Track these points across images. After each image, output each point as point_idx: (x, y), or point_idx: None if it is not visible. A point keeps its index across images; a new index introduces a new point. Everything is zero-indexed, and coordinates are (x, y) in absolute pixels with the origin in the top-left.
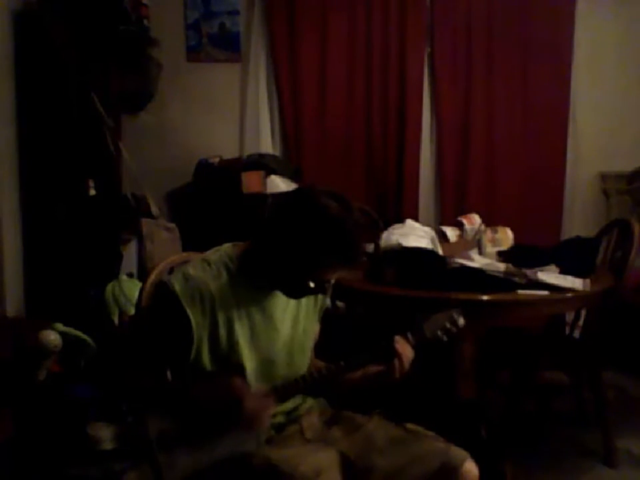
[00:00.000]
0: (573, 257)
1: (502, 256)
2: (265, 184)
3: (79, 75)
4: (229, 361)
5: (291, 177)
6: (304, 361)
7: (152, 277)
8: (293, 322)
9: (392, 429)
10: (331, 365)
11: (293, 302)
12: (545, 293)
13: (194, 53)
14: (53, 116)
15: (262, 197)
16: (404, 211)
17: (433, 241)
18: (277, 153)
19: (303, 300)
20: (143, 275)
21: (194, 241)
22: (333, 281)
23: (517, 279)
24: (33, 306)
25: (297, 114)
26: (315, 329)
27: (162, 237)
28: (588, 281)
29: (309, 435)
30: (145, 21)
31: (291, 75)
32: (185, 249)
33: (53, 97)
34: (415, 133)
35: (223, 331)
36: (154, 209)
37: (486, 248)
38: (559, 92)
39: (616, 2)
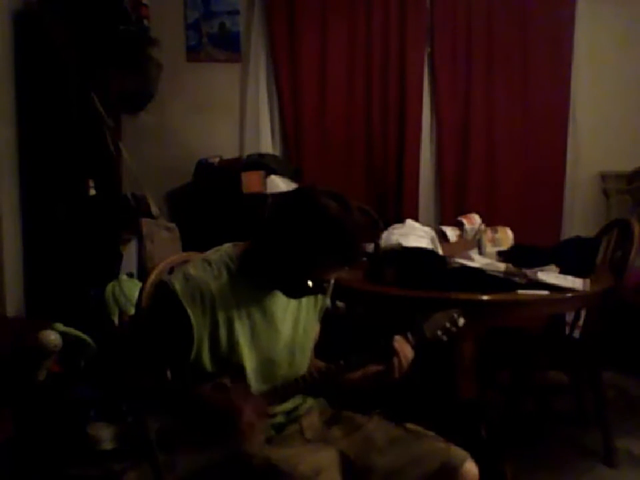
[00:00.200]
0: (573, 257)
1: (502, 256)
2: (265, 184)
3: (78, 75)
4: (229, 360)
5: (291, 176)
6: (304, 361)
7: (152, 277)
8: (293, 322)
9: (392, 429)
10: (331, 365)
11: (293, 302)
12: (545, 292)
13: (194, 53)
14: (53, 116)
15: (262, 197)
16: (404, 211)
17: (433, 241)
18: (277, 153)
19: (304, 300)
20: (143, 275)
21: (194, 241)
22: (332, 281)
23: (517, 279)
24: (33, 306)
25: (297, 114)
26: (315, 328)
27: (162, 237)
28: (588, 281)
29: (309, 435)
30: (145, 21)
31: (291, 75)
32: (185, 249)
33: (52, 97)
34: (415, 133)
35: (223, 331)
36: (154, 209)
37: (486, 248)
38: (559, 92)
39: (616, 2)
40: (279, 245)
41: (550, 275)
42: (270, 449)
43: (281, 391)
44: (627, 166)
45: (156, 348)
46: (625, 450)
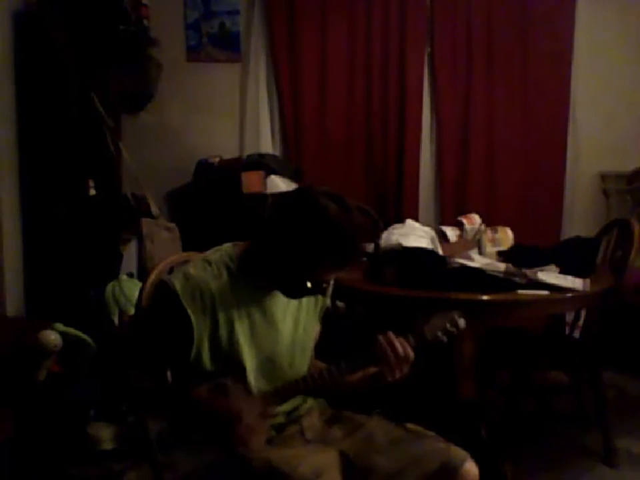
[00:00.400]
0: (572, 257)
1: (502, 256)
2: (264, 184)
3: (78, 75)
4: (229, 360)
5: (291, 177)
6: (304, 361)
7: (152, 277)
8: (293, 322)
9: (392, 429)
10: (331, 366)
11: (293, 302)
12: (545, 292)
13: (194, 53)
14: (53, 116)
15: (262, 197)
16: (404, 211)
17: (433, 241)
18: (277, 152)
19: (304, 300)
20: (143, 275)
21: (194, 241)
22: (332, 281)
23: (517, 279)
24: (33, 306)
25: (297, 114)
26: (315, 329)
27: (162, 237)
28: (588, 281)
29: (309, 436)
30: (145, 21)
31: (291, 75)
32: (185, 249)
33: (52, 96)
34: (415, 133)
35: (223, 331)
36: (154, 209)
37: (486, 248)
38: (559, 92)
39: (616, 2)
40: (278, 246)
41: (550, 275)
42: (270, 450)
43: (281, 391)
44: (627, 166)
45: (156, 348)
46: (625, 450)
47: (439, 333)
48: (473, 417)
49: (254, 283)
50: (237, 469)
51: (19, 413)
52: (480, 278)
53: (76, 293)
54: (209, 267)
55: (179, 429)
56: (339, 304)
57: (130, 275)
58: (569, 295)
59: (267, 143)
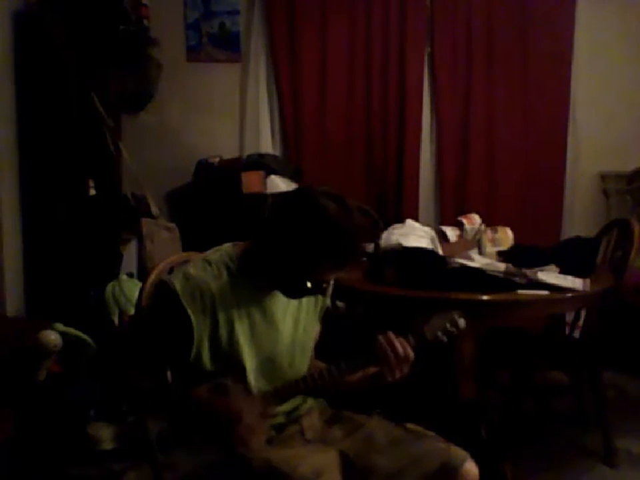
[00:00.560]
0: (572, 257)
1: (502, 256)
2: (265, 184)
3: (78, 75)
4: (229, 360)
5: (291, 177)
6: (304, 361)
7: (152, 277)
8: (293, 322)
9: (392, 429)
10: (331, 366)
11: (293, 302)
12: (545, 292)
13: (194, 53)
14: (53, 116)
15: (262, 197)
16: (404, 211)
17: (433, 241)
18: (277, 152)
19: (304, 300)
20: (143, 275)
21: (194, 241)
22: (332, 281)
23: (517, 279)
24: (33, 306)
25: (297, 114)
26: (315, 329)
27: (162, 237)
28: (588, 281)
29: (310, 436)
30: (145, 21)
31: (291, 75)
32: (185, 249)
33: (52, 96)
34: (415, 133)
35: (223, 331)
36: (154, 209)
37: (486, 248)
38: (559, 92)
39: (616, 2)
40: (278, 246)
41: (550, 275)
42: (270, 450)
43: (281, 391)
44: (627, 166)
45: (156, 348)
46: (625, 450)
47: (439, 333)
48: (473, 417)
49: (254, 282)
50: (237, 469)
51: (18, 413)
52: (480, 278)
53: (76, 292)
54: (208, 267)
55: (179, 429)
56: (339, 304)
57: (130, 275)
58: (569, 295)
59: (267, 143)
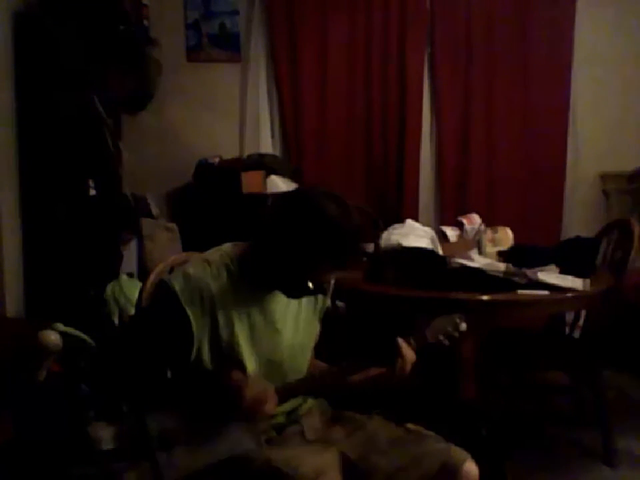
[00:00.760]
0: (572, 256)
1: (502, 256)
2: (265, 184)
3: (79, 75)
4: (229, 360)
5: (291, 177)
6: (305, 362)
7: (152, 277)
8: (293, 322)
9: (393, 429)
10: (332, 367)
11: (293, 302)
12: (545, 292)
13: (194, 53)
14: (53, 116)
15: (262, 197)
16: (404, 211)
17: (433, 241)
18: (277, 153)
19: (304, 300)
20: (143, 275)
21: (194, 241)
22: (332, 281)
23: (517, 279)
24: (33, 306)
25: (297, 114)
26: (315, 329)
27: (162, 237)
28: (588, 281)
29: (310, 436)
30: (145, 21)
31: (291, 74)
32: (185, 249)
33: (53, 97)
34: (415, 132)
35: (223, 331)
36: (154, 209)
37: (486, 248)
38: (559, 92)
39: (616, 2)
40: (277, 246)
41: (550, 275)
42: (270, 450)
43: (281, 391)
44: (627, 166)
45: (156, 348)
46: (625, 450)
47: (441, 337)
48: (473, 417)
49: (254, 283)
50: (237, 469)
51: (19, 413)
52: (480, 278)
53: (76, 293)
54: (208, 267)
55: (179, 425)
56: (339, 304)
57: (130, 275)
58: (569, 294)
59: (267, 143)
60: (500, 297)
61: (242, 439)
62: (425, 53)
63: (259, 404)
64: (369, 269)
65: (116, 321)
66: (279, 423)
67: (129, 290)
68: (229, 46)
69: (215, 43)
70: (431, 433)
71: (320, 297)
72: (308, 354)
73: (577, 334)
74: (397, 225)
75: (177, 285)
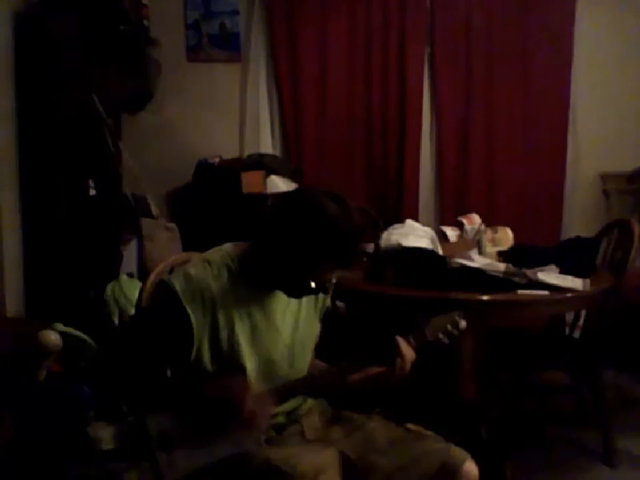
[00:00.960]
0: (572, 256)
1: (502, 256)
2: (265, 184)
3: (79, 75)
4: (229, 360)
5: (291, 177)
6: (305, 361)
7: (152, 277)
8: (294, 322)
9: (392, 429)
10: (332, 366)
11: (293, 302)
12: (545, 292)
13: (194, 53)
14: (53, 116)
15: (262, 197)
16: (404, 211)
17: (433, 241)
18: (277, 153)
19: (304, 300)
20: (143, 275)
21: (194, 241)
22: (333, 281)
23: (516, 279)
24: (33, 306)
25: (297, 114)
26: (315, 329)
27: (162, 237)
28: (588, 281)
29: (310, 435)
30: (145, 21)
31: (291, 74)
32: (185, 249)
33: (53, 97)
34: (415, 132)
35: (223, 331)
36: (154, 209)
37: (486, 248)
38: (559, 92)
39: (616, 2)
40: (278, 246)
41: (550, 275)
42: (270, 449)
43: (281, 391)
44: (627, 166)
45: (156, 348)
46: (625, 450)
47: (440, 335)
48: (473, 417)
49: (254, 283)
50: (237, 469)
51: (18, 413)
52: (480, 278)
53: (76, 292)
54: (209, 267)
55: (179, 425)
56: (339, 304)
57: (130, 275)
58: (569, 294)
59: (267, 143)
60: (500, 296)
61: (242, 438)
62: (424, 52)
63: (256, 417)
64: (369, 269)
65: (116, 321)
66: (279, 423)
67: (128, 290)
68: (229, 46)
69: (215, 42)
70: (431, 433)
71: (320, 296)
72: (308, 354)
73: (577, 334)
74: (397, 225)
75: (178, 284)
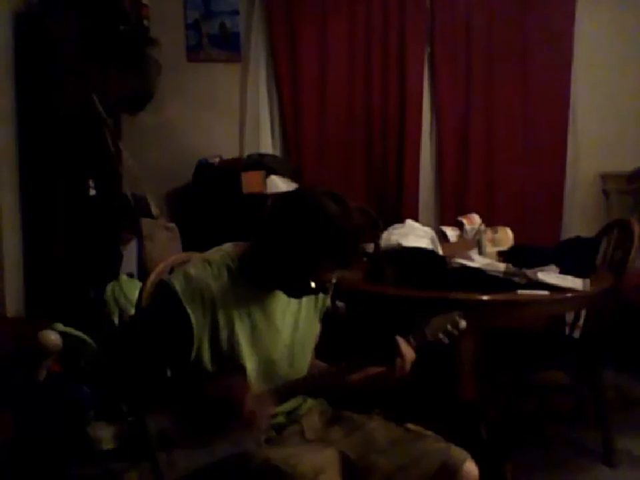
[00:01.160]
0: (572, 257)
1: (502, 256)
2: (265, 184)
3: (78, 75)
4: (229, 360)
5: (291, 177)
6: (305, 361)
7: (152, 277)
8: (294, 322)
9: (392, 429)
10: (332, 366)
11: (293, 302)
12: (545, 292)
13: (194, 53)
14: (53, 116)
15: (262, 197)
16: (404, 211)
17: (433, 241)
18: (277, 153)
19: (304, 300)
20: (143, 275)
21: (194, 241)
22: (333, 281)
23: (516, 279)
24: (33, 306)
25: (297, 114)
26: (315, 329)
27: (162, 237)
28: (588, 281)
29: (310, 435)
30: (145, 21)
31: (291, 74)
32: (185, 249)
33: (53, 97)
34: (415, 132)
35: (223, 331)
36: (154, 209)
37: (486, 248)
38: (559, 92)
39: (616, 2)
40: (278, 246)
41: (550, 275)
42: (270, 449)
43: (281, 391)
44: (627, 166)
45: (156, 348)
46: (625, 450)
47: (440, 335)
48: (473, 417)
49: (255, 283)
50: (237, 469)
51: (19, 413)
52: (480, 278)
53: (76, 292)
54: (209, 267)
55: (179, 425)
56: (339, 304)
57: (130, 275)
58: (569, 294)
59: (267, 143)
60: (500, 296)
61: (241, 438)
62: (424, 52)
63: (256, 418)
64: (369, 269)
65: (116, 320)
66: (279, 423)
67: (128, 290)
68: (229, 46)
69: (215, 42)
70: (431, 433)
71: (320, 296)
72: (308, 353)
73: (577, 334)
74: (397, 225)
75: (178, 284)
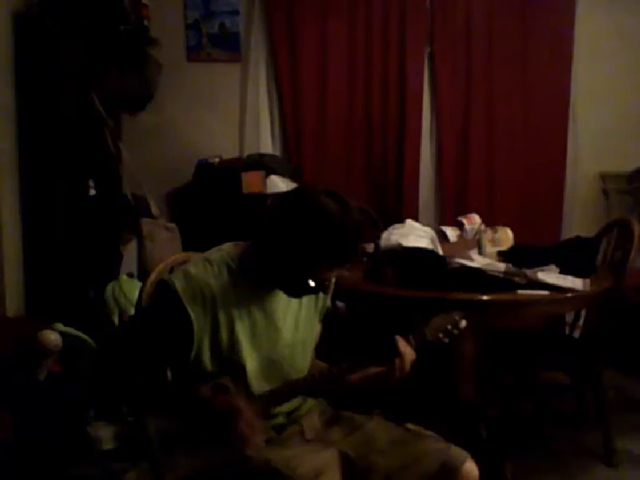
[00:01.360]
0: (573, 257)
1: (502, 256)
2: (265, 184)
3: (78, 75)
4: (229, 360)
5: (291, 176)
6: (305, 361)
7: (152, 277)
8: (294, 322)
9: (392, 429)
10: (332, 366)
11: (294, 302)
12: (545, 292)
13: (194, 53)
14: (53, 116)
15: (262, 197)
16: (404, 211)
17: (433, 241)
18: (277, 153)
19: (304, 300)
20: (143, 275)
21: (194, 241)
22: (333, 280)
23: (516, 279)
24: (33, 306)
25: (297, 114)
26: (316, 329)
27: (162, 237)
28: (588, 281)
29: (310, 436)
30: (145, 21)
31: (291, 75)
32: (185, 249)
33: (52, 96)
34: (415, 132)
35: (224, 330)
36: (154, 209)
37: (486, 248)
38: (559, 91)
39: (616, 2)
40: (278, 245)
41: (550, 275)
42: (270, 450)
43: (281, 391)
44: (627, 166)
45: (156, 347)
46: (625, 450)
47: (440, 334)
48: (473, 417)
49: (255, 282)
50: (237, 469)
51: (19, 413)
52: (480, 278)
53: (76, 292)
54: (209, 266)
55: (179, 428)
56: (339, 304)
57: (130, 275)
58: (569, 294)
59: (266, 143)
60: (500, 296)
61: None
62: (424, 52)
63: (248, 439)
64: (369, 269)
65: (116, 320)
66: (279, 423)
67: (128, 290)
68: (229, 46)
69: (214, 42)
70: (431, 433)
71: (321, 295)
72: (309, 353)
73: (577, 334)
74: (397, 225)
75: (178, 284)
